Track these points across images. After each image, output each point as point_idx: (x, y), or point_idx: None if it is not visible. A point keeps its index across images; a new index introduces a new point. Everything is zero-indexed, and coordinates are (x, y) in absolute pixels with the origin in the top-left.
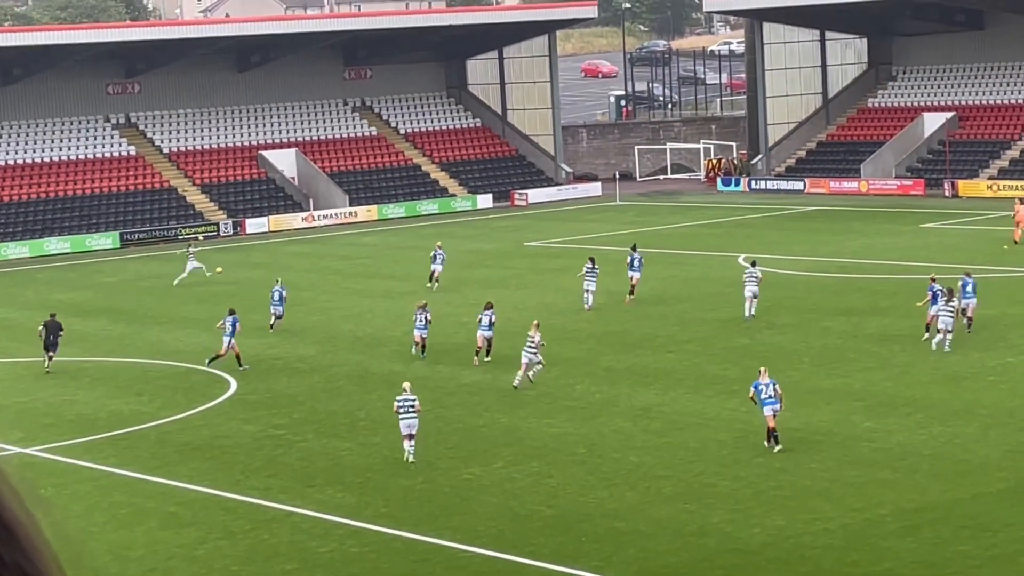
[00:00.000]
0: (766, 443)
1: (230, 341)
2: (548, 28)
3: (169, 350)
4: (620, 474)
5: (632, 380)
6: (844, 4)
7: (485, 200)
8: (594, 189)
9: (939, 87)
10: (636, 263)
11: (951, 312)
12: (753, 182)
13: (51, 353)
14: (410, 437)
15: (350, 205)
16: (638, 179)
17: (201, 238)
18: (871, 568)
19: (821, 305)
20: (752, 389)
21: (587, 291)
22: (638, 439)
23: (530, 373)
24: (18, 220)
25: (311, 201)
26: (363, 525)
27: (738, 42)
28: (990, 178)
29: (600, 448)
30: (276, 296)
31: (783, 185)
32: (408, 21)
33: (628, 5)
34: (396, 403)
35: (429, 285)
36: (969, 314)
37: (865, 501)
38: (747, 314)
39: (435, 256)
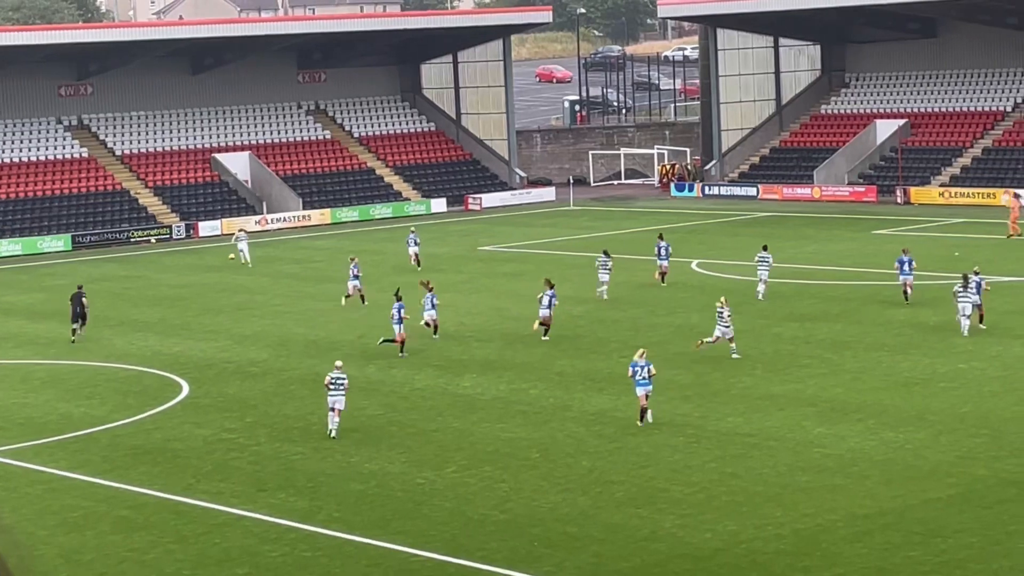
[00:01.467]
0: (639, 422)
1: (400, 328)
2: (503, 33)
3: (120, 353)
4: (573, 479)
5: (585, 385)
6: (798, 11)
7: (439, 204)
8: (548, 194)
9: (892, 94)
10: (664, 251)
11: (968, 298)
12: (707, 188)
13: (75, 325)
14: (335, 411)
15: (303, 208)
16: (592, 184)
17: (153, 240)
18: (822, 573)
19: (774, 311)
20: (630, 368)
21: (601, 282)
22: (591, 444)
23: (733, 344)
24: None
25: (264, 204)
26: (315, 529)
27: (692, 48)
28: (942, 185)
29: (553, 453)
30: (353, 272)
31: (736, 191)
32: (362, 24)
33: (583, 10)
34: (328, 378)
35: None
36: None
37: (816, 507)
38: (760, 296)
39: (410, 240)
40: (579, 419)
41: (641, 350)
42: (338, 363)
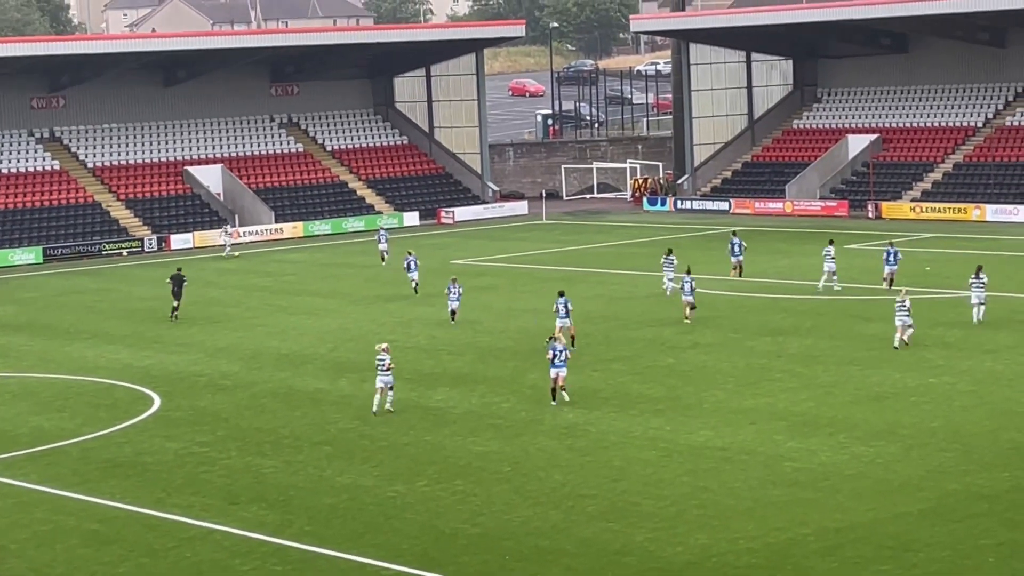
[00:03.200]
0: (552, 402)
1: (567, 321)
2: (476, 46)
3: (92, 366)
4: (544, 493)
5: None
6: (770, 26)
7: (412, 217)
8: (520, 207)
9: (863, 109)
10: (737, 248)
11: (982, 288)
12: (679, 202)
13: (176, 304)
14: (383, 390)
15: (276, 222)
16: (565, 198)
17: (125, 253)
18: None
19: (745, 325)
20: (549, 351)
21: (667, 279)
22: (563, 458)
23: (905, 336)
24: None
25: (236, 217)
26: (286, 543)
27: (665, 63)
28: (913, 200)
29: (525, 467)
30: (410, 264)
31: (709, 205)
32: (335, 38)
33: (556, 24)
34: (377, 360)
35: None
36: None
37: (788, 520)
38: (821, 286)
39: (408, 264)
40: (551, 433)
41: (559, 335)
42: (384, 345)
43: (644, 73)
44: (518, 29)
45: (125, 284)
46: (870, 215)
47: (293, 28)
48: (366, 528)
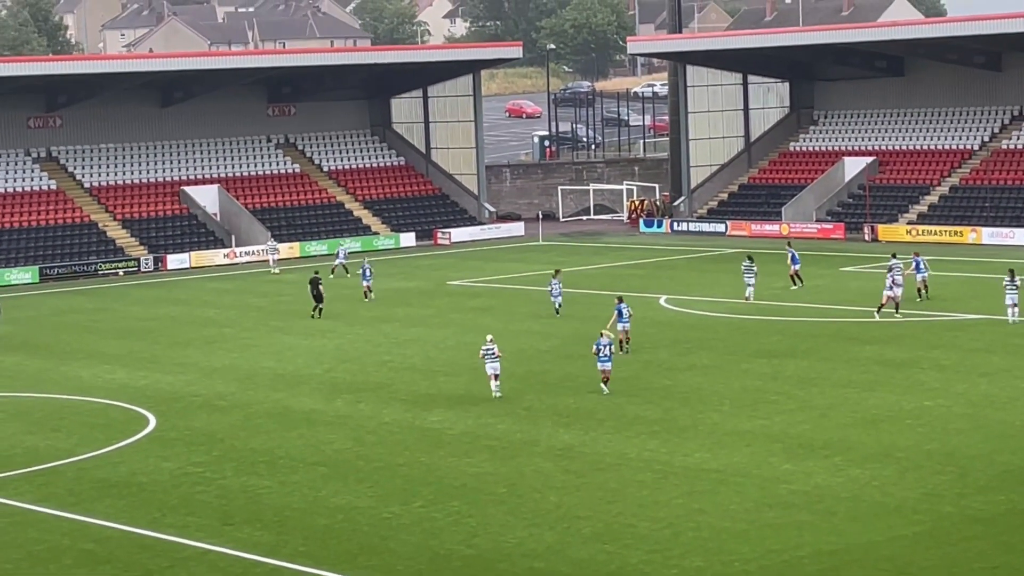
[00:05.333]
0: (605, 391)
1: (627, 325)
2: (473, 68)
3: (87, 386)
4: (540, 514)
5: (553, 420)
6: (766, 48)
7: (408, 238)
8: (517, 229)
9: (860, 132)
10: (794, 257)
11: (1015, 290)
12: (675, 224)
13: (320, 305)
14: (495, 377)
15: (276, 242)
16: (561, 219)
17: (121, 273)
18: None
19: (741, 347)
20: (594, 347)
21: (748, 285)
22: (558, 479)
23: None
24: None
25: (233, 237)
26: (281, 564)
27: (661, 84)
28: (909, 223)
29: (520, 488)
30: (366, 272)
31: (705, 227)
32: (332, 59)
33: (553, 46)
34: (481, 351)
35: (366, 300)
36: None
37: (783, 543)
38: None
39: (364, 271)
40: (547, 454)
41: (490, 336)
42: (489, 336)
43: (641, 95)
44: (515, 51)
45: (121, 304)
46: (866, 238)
47: (290, 49)
48: (361, 549)
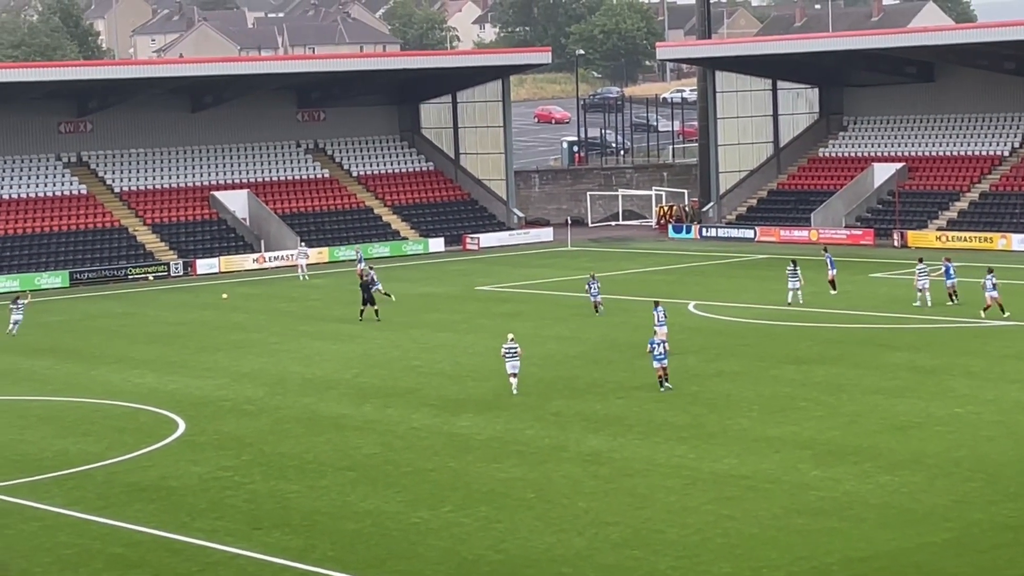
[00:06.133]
0: (660, 388)
1: (664, 328)
2: (502, 73)
3: (117, 390)
4: (568, 520)
5: (581, 425)
6: (796, 54)
7: (437, 244)
8: (546, 234)
9: (889, 138)
10: (950, 271)
11: None
12: (704, 230)
13: (375, 307)
14: (514, 375)
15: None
16: (590, 225)
17: (151, 278)
18: None
19: (770, 353)
20: (649, 346)
21: (791, 289)
22: (587, 485)
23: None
24: None
25: (262, 242)
26: (310, 568)
27: (691, 90)
28: (939, 229)
29: (548, 493)
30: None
31: (734, 233)
32: (362, 64)
33: (582, 52)
34: (503, 349)
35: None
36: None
37: (812, 549)
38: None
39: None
40: (575, 460)
41: (510, 335)
42: (510, 335)
43: (670, 100)
44: (544, 56)
45: (151, 308)
46: (896, 244)
47: (320, 54)
48: (389, 554)
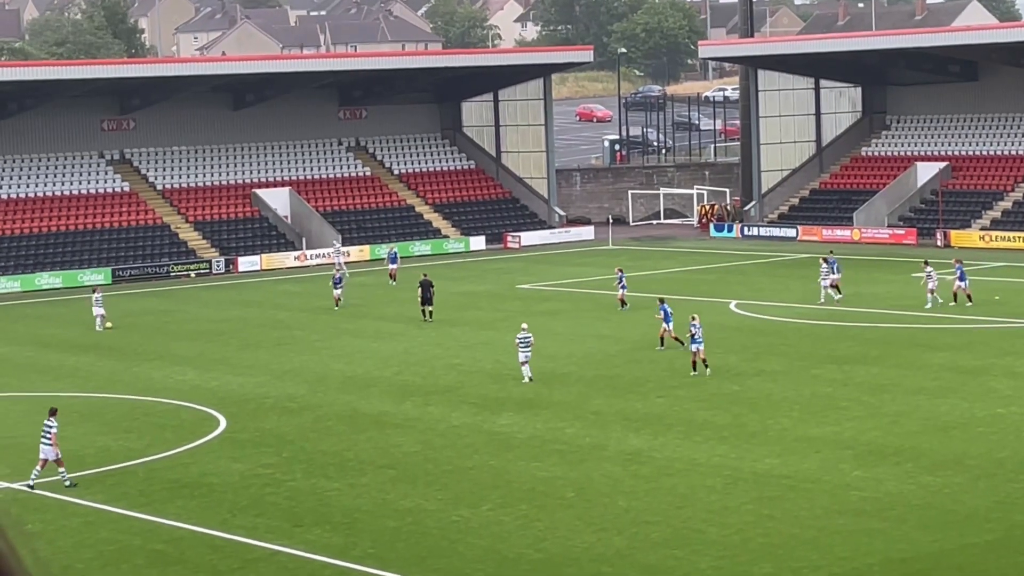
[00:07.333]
0: (692, 372)
1: (670, 325)
2: (544, 71)
3: (158, 387)
4: (608, 519)
5: (622, 424)
6: (838, 53)
7: (478, 242)
8: (587, 233)
9: (932, 137)
10: (836, 267)
11: None
12: (746, 228)
13: (429, 308)
14: (525, 363)
15: (343, 245)
16: (631, 223)
17: (193, 275)
18: None
19: (812, 353)
20: (691, 328)
21: (823, 288)
22: (627, 484)
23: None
24: (10, 254)
25: (304, 240)
26: (350, 566)
27: (733, 88)
28: (982, 228)
29: (589, 492)
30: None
31: (776, 232)
32: (403, 62)
33: (624, 50)
34: (517, 339)
35: (393, 283)
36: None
37: (853, 550)
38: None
39: (393, 256)
40: (615, 459)
41: (524, 324)
42: (524, 325)
43: (712, 99)
44: (586, 54)
45: (193, 306)
46: (939, 243)
47: (362, 52)
48: (429, 552)
